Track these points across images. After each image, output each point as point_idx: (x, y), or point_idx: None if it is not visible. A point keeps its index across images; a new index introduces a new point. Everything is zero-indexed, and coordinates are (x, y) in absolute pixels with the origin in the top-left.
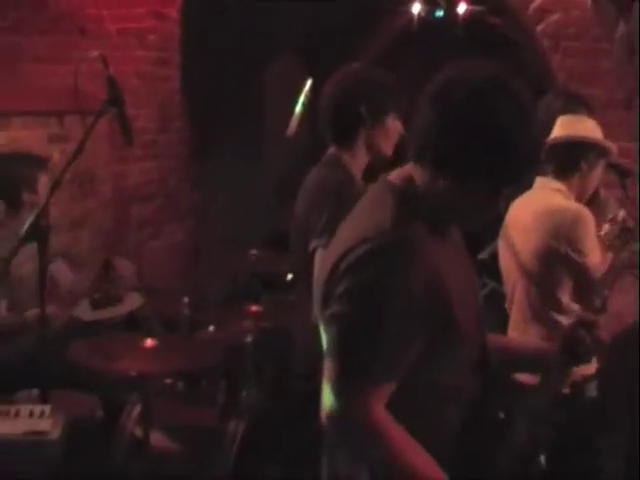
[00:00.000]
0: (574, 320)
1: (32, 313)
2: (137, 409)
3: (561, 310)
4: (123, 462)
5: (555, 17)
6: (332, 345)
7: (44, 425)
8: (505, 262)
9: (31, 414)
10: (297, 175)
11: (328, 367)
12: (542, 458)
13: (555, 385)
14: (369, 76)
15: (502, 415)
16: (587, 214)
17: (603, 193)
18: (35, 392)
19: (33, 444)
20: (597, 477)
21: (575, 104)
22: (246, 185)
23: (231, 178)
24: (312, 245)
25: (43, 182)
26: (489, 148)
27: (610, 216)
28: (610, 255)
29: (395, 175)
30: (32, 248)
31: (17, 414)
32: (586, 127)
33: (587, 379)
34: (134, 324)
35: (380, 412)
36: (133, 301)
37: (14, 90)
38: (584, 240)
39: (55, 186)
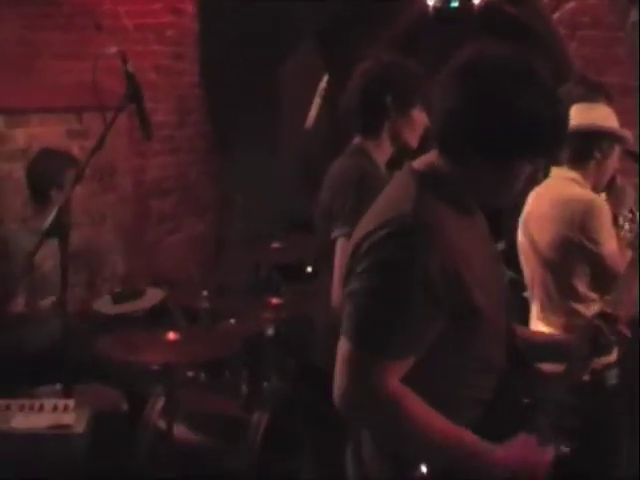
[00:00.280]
0: (595, 312)
1: (48, 301)
2: (161, 401)
3: (579, 299)
4: (147, 454)
5: (571, 5)
6: (348, 321)
7: (68, 419)
8: (524, 252)
9: (55, 408)
10: (316, 167)
11: (342, 344)
12: (564, 444)
13: (576, 375)
14: (396, 67)
15: (526, 400)
16: (601, 203)
17: (620, 181)
18: (58, 386)
19: (57, 438)
20: (618, 464)
21: (594, 92)
22: (265, 177)
23: (250, 171)
24: (334, 234)
25: (70, 179)
26: (514, 125)
27: (629, 215)
28: (629, 252)
29: (418, 162)
30: (54, 244)
31: (41, 408)
32: (600, 115)
33: (607, 367)
34: (156, 317)
35: (396, 385)
36: (154, 295)
37: (32, 87)
38: (599, 229)
39: (76, 181)
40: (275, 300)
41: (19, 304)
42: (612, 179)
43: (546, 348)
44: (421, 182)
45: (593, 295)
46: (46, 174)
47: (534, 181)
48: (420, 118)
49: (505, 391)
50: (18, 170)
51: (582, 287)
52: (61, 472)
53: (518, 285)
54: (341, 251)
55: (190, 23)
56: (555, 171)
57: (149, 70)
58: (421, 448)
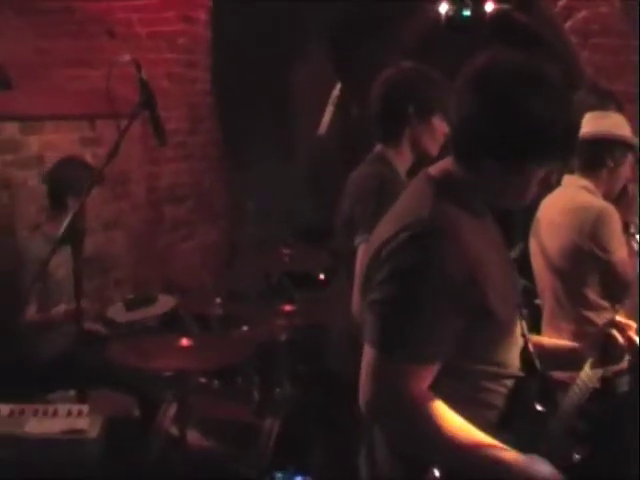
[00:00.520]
0: (606, 321)
1: (59, 309)
2: (173, 407)
3: (590, 307)
4: (160, 459)
5: (582, 14)
6: (372, 330)
7: (82, 424)
8: (535, 259)
9: (69, 413)
10: (328, 174)
11: (367, 352)
12: (577, 451)
13: (588, 383)
14: (418, 75)
15: (540, 407)
16: (611, 211)
17: (631, 189)
18: (72, 392)
19: (71, 443)
20: (629, 471)
21: (605, 100)
22: (277, 184)
23: (262, 177)
24: (356, 241)
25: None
26: (527, 130)
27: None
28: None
29: (434, 168)
30: (67, 252)
31: (55, 413)
32: (612, 123)
33: (619, 374)
34: (169, 324)
35: (422, 391)
36: (167, 302)
37: (46, 94)
38: (608, 237)
39: (90, 188)
40: (287, 307)
41: (32, 311)
42: (624, 187)
43: (557, 356)
44: (437, 188)
45: (604, 303)
46: (64, 181)
47: (547, 186)
48: (441, 127)
49: (519, 397)
50: (32, 177)
51: (593, 295)
52: (74, 477)
53: (530, 292)
54: (362, 257)
55: (202, 31)
56: (567, 179)
57: (161, 78)
58: (445, 453)
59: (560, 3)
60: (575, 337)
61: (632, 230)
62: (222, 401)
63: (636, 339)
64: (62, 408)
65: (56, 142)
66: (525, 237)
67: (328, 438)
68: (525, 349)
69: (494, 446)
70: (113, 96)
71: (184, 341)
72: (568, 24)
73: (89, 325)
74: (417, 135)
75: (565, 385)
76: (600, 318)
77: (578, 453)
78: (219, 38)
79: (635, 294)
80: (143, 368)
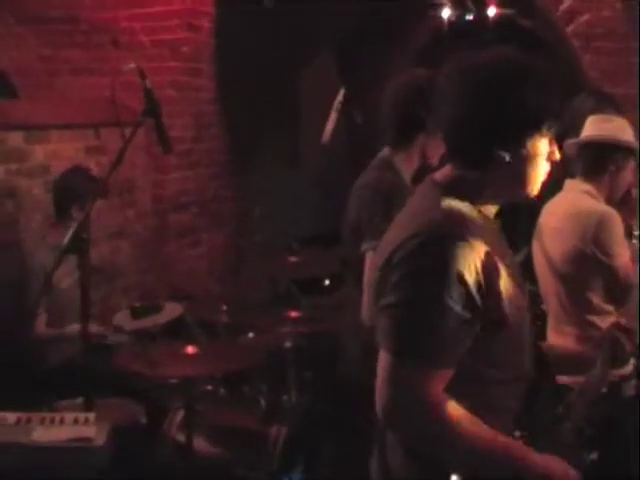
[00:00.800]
0: (610, 324)
1: (72, 329)
2: (180, 415)
3: (593, 311)
4: (167, 467)
5: (585, 17)
6: (387, 334)
7: (89, 432)
8: (538, 264)
9: (76, 421)
10: (333, 180)
11: (382, 356)
12: (586, 455)
13: (596, 386)
14: (433, 82)
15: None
16: (614, 215)
17: (634, 193)
18: (79, 400)
19: (78, 451)
20: (636, 475)
21: (604, 104)
22: (283, 191)
23: (268, 184)
24: (363, 247)
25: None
26: (517, 103)
27: (637, 232)
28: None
29: (439, 174)
30: (73, 261)
31: (62, 421)
32: (615, 127)
33: (624, 379)
34: (175, 332)
35: (438, 393)
36: (173, 309)
37: (51, 103)
38: (611, 242)
39: (96, 198)
40: (294, 314)
41: (41, 323)
42: (627, 191)
43: (563, 361)
44: (445, 193)
45: (608, 307)
46: (70, 192)
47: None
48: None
49: (532, 400)
50: (37, 186)
51: (596, 299)
52: None
53: (536, 297)
54: (370, 264)
55: (206, 39)
56: (569, 183)
57: (166, 86)
58: (463, 454)
59: (562, 7)
60: (580, 341)
61: (635, 234)
62: (228, 408)
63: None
64: (69, 416)
65: (61, 151)
66: (529, 242)
67: (336, 445)
68: (537, 352)
69: (511, 444)
70: (118, 104)
71: (190, 348)
72: (570, 28)
73: (93, 328)
74: (427, 143)
75: (572, 389)
76: (604, 322)
77: (589, 455)
78: (223, 46)
79: (636, 298)
80: (150, 376)
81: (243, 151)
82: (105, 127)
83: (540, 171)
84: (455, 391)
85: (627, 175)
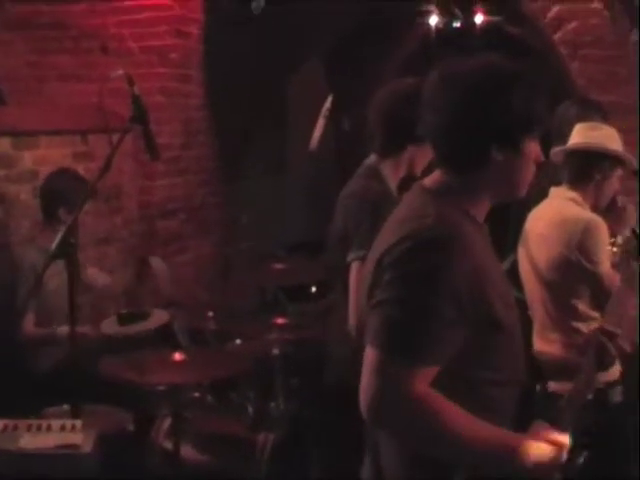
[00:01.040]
0: (594, 328)
1: (63, 330)
2: (167, 422)
3: (579, 318)
4: (154, 474)
5: (572, 25)
6: (376, 331)
7: (75, 439)
8: (524, 271)
9: (62, 428)
10: (321, 188)
11: (369, 354)
12: (575, 461)
13: (583, 392)
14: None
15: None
16: (599, 223)
17: (621, 200)
18: (66, 407)
19: (65, 457)
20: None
21: (590, 110)
22: (270, 198)
23: (255, 192)
24: (349, 257)
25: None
26: (497, 118)
27: (612, 240)
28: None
29: (428, 180)
30: (60, 263)
31: (49, 428)
32: (602, 135)
33: (611, 385)
34: (162, 338)
35: (425, 389)
36: (160, 316)
37: (39, 109)
38: (596, 249)
39: (84, 200)
40: (281, 321)
41: (29, 323)
42: (613, 199)
43: (550, 367)
44: (435, 198)
45: (594, 314)
46: (56, 194)
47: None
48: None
49: (526, 403)
50: (25, 192)
51: (582, 306)
52: None
53: (523, 304)
54: (357, 273)
55: (195, 45)
56: (554, 191)
57: (155, 92)
58: (455, 446)
59: (550, 14)
60: (565, 348)
61: (619, 242)
62: (216, 415)
63: (624, 346)
64: (56, 423)
65: (49, 157)
66: (516, 249)
67: (323, 452)
68: (529, 358)
69: (501, 432)
70: (106, 111)
71: (177, 355)
72: (558, 35)
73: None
74: (416, 153)
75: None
76: (589, 329)
77: (578, 461)
78: (212, 53)
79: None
80: (137, 382)
81: (231, 158)
82: (93, 133)
83: (527, 173)
84: (453, 394)
85: (613, 183)
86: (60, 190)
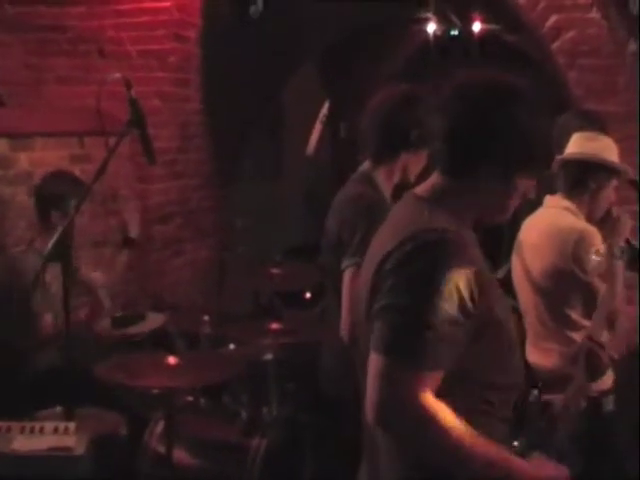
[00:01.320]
0: (583, 338)
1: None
2: (160, 425)
3: (573, 327)
4: (146, 477)
5: (570, 34)
6: (380, 336)
7: (69, 441)
8: (518, 280)
9: (56, 430)
10: (317, 193)
11: (374, 360)
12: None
13: (575, 399)
14: (422, 101)
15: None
16: (593, 233)
17: (616, 210)
18: (59, 409)
19: (58, 460)
20: None
21: (590, 123)
22: (267, 203)
23: (252, 196)
24: (344, 264)
25: (73, 203)
26: (518, 142)
27: (594, 249)
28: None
29: (420, 188)
30: (59, 267)
31: (42, 431)
32: (601, 146)
33: (604, 393)
34: (156, 341)
35: (430, 397)
36: (155, 319)
37: (37, 111)
38: (590, 259)
39: (78, 206)
40: (275, 325)
41: (47, 323)
42: (608, 209)
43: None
44: (430, 203)
45: (587, 323)
46: (48, 196)
47: (529, 206)
48: (426, 158)
49: (524, 408)
50: (21, 193)
51: (576, 315)
52: None
53: (518, 312)
54: (350, 281)
55: (193, 49)
56: (549, 200)
57: (152, 96)
58: (454, 457)
59: (548, 23)
60: (559, 357)
61: (615, 252)
62: (209, 419)
63: (614, 355)
64: (49, 425)
65: (45, 159)
66: (510, 258)
67: (317, 457)
68: (526, 363)
69: (501, 450)
70: (103, 114)
71: (171, 359)
72: (556, 44)
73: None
74: (410, 161)
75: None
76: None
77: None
78: (210, 57)
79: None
80: (130, 385)
81: (228, 162)
82: (90, 136)
83: (512, 204)
84: (453, 398)
85: (608, 194)
86: (53, 194)
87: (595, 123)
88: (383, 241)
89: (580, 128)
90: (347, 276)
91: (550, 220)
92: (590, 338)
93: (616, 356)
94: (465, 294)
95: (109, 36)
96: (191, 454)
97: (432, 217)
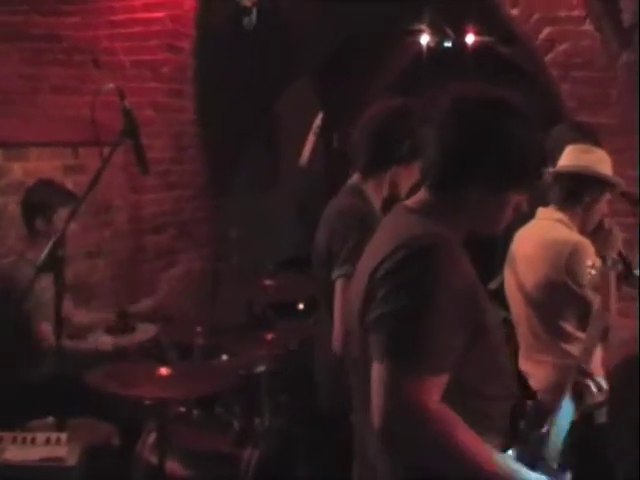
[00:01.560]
0: (574, 369)
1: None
2: (153, 436)
3: (567, 339)
4: None
5: (563, 47)
6: (381, 346)
7: (60, 452)
8: (510, 292)
9: (47, 441)
10: (310, 204)
11: (377, 371)
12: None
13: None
14: (413, 115)
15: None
16: (587, 245)
17: (608, 222)
18: (51, 420)
19: (50, 470)
20: None
21: (584, 136)
22: (260, 214)
23: (245, 207)
24: (334, 274)
25: (61, 213)
26: (510, 158)
27: (590, 262)
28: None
29: (411, 201)
30: (51, 277)
31: (33, 441)
32: (594, 158)
33: (596, 406)
34: (149, 352)
35: (437, 402)
36: (147, 330)
37: (31, 121)
38: (583, 271)
39: (72, 216)
40: (269, 337)
41: (48, 332)
42: (600, 221)
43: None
44: (420, 214)
45: (581, 335)
46: (34, 204)
47: (521, 218)
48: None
49: (517, 418)
50: (13, 203)
51: (570, 327)
52: None
53: (510, 325)
54: (341, 291)
55: (187, 60)
56: (542, 212)
57: (146, 106)
58: (463, 463)
59: (541, 36)
60: (553, 369)
61: (608, 264)
62: (202, 430)
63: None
64: (41, 436)
65: (39, 169)
66: (503, 269)
67: (309, 468)
68: (517, 372)
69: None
70: (97, 124)
71: (164, 370)
72: (549, 56)
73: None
74: (399, 174)
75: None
76: (579, 350)
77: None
78: (203, 67)
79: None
80: (122, 396)
81: (221, 173)
82: (84, 146)
83: (504, 218)
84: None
85: (601, 207)
86: (39, 201)
87: (588, 135)
88: (375, 251)
89: (574, 140)
90: (338, 286)
91: (543, 232)
92: (579, 369)
93: (605, 386)
94: (460, 296)
95: (103, 46)
96: (184, 465)
97: (424, 224)
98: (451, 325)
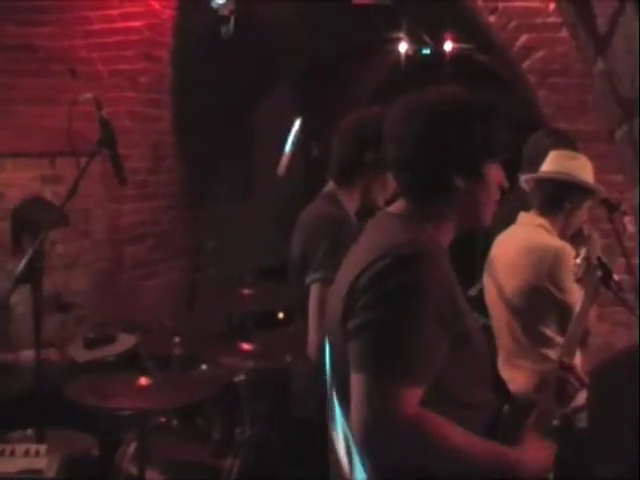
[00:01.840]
0: (555, 365)
1: (27, 355)
2: (132, 447)
3: (548, 344)
4: None
5: (540, 54)
6: (360, 355)
7: (40, 464)
8: (490, 297)
9: (26, 453)
10: (289, 212)
11: (356, 381)
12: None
13: (545, 422)
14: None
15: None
16: (568, 251)
17: (587, 228)
18: (30, 431)
19: None
20: None
21: (562, 142)
22: (238, 224)
23: (223, 217)
24: (308, 279)
25: (48, 234)
26: (475, 136)
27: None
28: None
29: (393, 207)
30: (28, 289)
31: (12, 453)
32: (576, 165)
33: (577, 410)
34: (128, 363)
35: (417, 409)
36: (126, 341)
37: (7, 131)
38: (566, 277)
39: (49, 229)
40: (247, 346)
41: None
42: (579, 227)
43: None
44: (403, 221)
45: (562, 340)
46: (22, 220)
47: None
48: (393, 182)
49: (498, 424)
50: None
51: (550, 332)
52: None
53: (489, 331)
54: (315, 296)
55: (164, 70)
56: (522, 217)
57: (123, 116)
58: (453, 460)
59: (518, 43)
60: (534, 375)
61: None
62: (181, 441)
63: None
64: (20, 448)
65: (16, 180)
66: (483, 276)
67: (290, 477)
68: (496, 379)
69: (495, 445)
70: (74, 134)
71: (143, 380)
72: (526, 63)
73: (52, 354)
74: (370, 184)
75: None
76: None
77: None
78: (181, 77)
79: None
80: (102, 407)
81: (199, 183)
82: (61, 156)
83: (491, 199)
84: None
85: (582, 214)
86: (28, 219)
87: (566, 141)
88: (356, 259)
89: (552, 147)
90: (313, 291)
91: (524, 237)
92: (561, 363)
93: (587, 381)
94: (442, 305)
95: (80, 56)
96: (164, 475)
97: (406, 232)
98: (430, 336)
